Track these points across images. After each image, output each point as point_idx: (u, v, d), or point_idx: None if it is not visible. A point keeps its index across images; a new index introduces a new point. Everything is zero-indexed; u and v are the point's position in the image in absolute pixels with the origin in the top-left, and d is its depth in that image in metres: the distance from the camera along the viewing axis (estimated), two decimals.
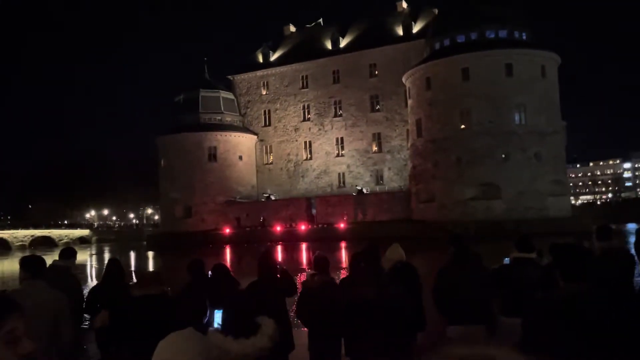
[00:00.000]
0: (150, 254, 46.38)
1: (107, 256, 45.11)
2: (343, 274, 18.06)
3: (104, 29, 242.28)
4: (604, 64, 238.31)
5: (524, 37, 44.22)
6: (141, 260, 40.38)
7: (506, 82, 41.38)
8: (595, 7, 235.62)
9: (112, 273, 6.01)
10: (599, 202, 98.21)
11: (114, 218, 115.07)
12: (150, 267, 34.57)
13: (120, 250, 51.41)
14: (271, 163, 59.88)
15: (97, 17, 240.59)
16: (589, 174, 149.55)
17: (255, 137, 60.08)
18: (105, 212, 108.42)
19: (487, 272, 5.22)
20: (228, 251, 41.65)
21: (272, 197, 56.71)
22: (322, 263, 5.14)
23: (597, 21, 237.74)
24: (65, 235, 78.53)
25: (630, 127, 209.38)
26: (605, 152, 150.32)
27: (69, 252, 6.36)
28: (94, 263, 38.70)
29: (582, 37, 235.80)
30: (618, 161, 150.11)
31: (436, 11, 52.42)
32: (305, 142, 58.11)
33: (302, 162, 58.12)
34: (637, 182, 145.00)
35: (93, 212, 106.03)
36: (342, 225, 46.66)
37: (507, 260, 6.04)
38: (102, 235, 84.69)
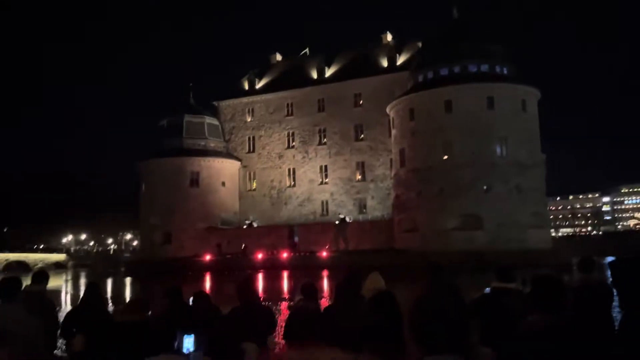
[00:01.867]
0: (128, 280, 45.46)
1: (83, 282, 44.11)
2: (324, 302, 17.84)
3: (87, 51, 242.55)
4: (583, 99, 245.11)
5: (505, 72, 45.33)
6: (118, 287, 39.52)
7: (488, 114, 42.18)
8: (574, 45, 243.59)
9: (90, 298, 5.87)
10: (578, 235, 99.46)
11: (92, 243, 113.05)
12: (128, 294, 33.83)
13: (97, 276, 50.29)
14: (254, 189, 59.70)
15: (79, 38, 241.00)
16: (568, 207, 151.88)
17: (239, 163, 60.01)
18: (83, 236, 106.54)
19: (466, 301, 5.22)
20: (208, 278, 41.02)
21: (254, 224, 56.32)
22: (310, 290, 5.12)
23: (577, 56, 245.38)
24: (41, 260, 76.67)
25: (609, 162, 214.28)
26: (584, 186, 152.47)
27: (41, 275, 6.21)
28: (69, 289, 37.77)
29: (563, 71, 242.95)
30: (597, 195, 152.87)
31: (420, 44, 53.66)
32: (289, 169, 58.20)
33: (285, 189, 58.07)
34: (616, 215, 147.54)
35: (70, 237, 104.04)
36: (324, 254, 46.39)
37: (487, 290, 6.05)
38: (78, 261, 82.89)
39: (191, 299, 5.49)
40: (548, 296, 2.82)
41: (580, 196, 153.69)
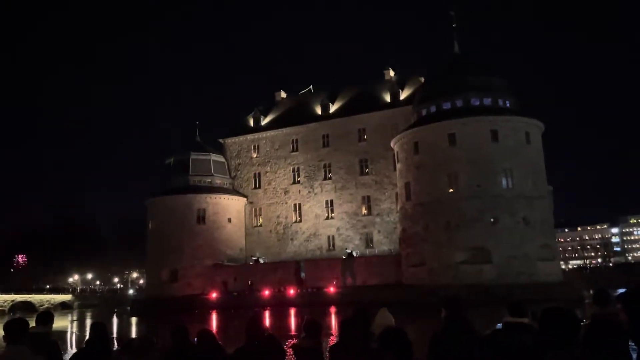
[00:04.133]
0: (134, 319, 44.97)
1: (88, 322, 43.64)
2: (332, 340, 17.55)
3: (94, 90, 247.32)
4: (587, 130, 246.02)
5: (508, 105, 45.70)
6: (124, 326, 39.07)
7: (492, 147, 42.32)
8: (578, 75, 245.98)
9: (96, 338, 5.79)
10: (588, 267, 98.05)
11: (98, 282, 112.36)
12: (134, 334, 33.39)
13: (103, 316, 49.80)
14: (260, 225, 59.60)
15: (86, 75, 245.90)
16: (577, 238, 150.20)
17: (245, 199, 60.14)
18: (89, 276, 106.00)
19: (480, 337, 5.13)
20: (214, 317, 40.53)
21: (261, 260, 55.97)
22: (313, 327, 5.06)
23: (580, 87, 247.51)
24: (47, 301, 76.01)
25: (616, 192, 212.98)
26: (593, 217, 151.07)
27: (46, 316, 6.17)
28: (75, 329, 37.35)
29: (565, 103, 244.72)
30: (606, 226, 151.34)
31: (422, 79, 54.40)
32: (295, 205, 58.20)
33: (291, 225, 57.93)
34: (626, 246, 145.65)
35: (76, 277, 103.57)
36: (331, 290, 45.87)
37: (499, 326, 5.95)
38: (84, 300, 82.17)
39: (195, 338, 5.43)
40: (562, 332, 2.76)
41: (589, 227, 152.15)
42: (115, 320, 44.31)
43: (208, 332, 5.50)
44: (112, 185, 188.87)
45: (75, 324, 43.76)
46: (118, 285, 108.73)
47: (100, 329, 5.91)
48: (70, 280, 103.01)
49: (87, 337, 6.12)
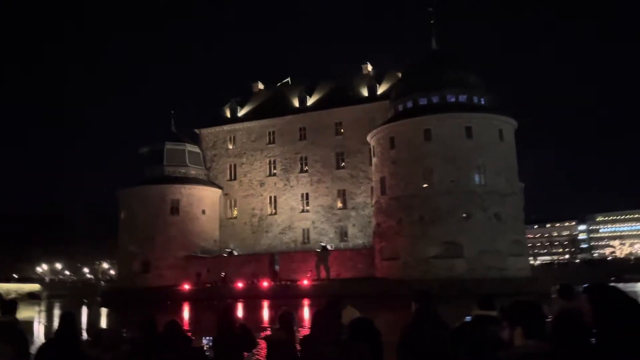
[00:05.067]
0: (104, 310, 44.31)
1: (57, 313, 42.85)
2: (305, 332, 17.62)
3: (68, 75, 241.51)
4: (558, 128, 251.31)
5: (483, 102, 46.36)
6: (94, 317, 38.47)
7: (466, 143, 42.90)
8: (550, 74, 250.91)
9: (65, 328, 5.67)
10: (556, 263, 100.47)
11: (67, 272, 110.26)
12: (103, 325, 32.92)
13: (73, 306, 48.91)
14: (235, 217, 59.28)
15: (59, 62, 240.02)
16: (546, 234, 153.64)
17: (220, 190, 59.69)
18: (59, 266, 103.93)
19: (450, 329, 5.22)
20: (186, 308, 40.22)
21: (235, 253, 55.71)
22: (287, 319, 5.08)
23: (553, 85, 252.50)
24: (14, 290, 74.34)
25: (584, 190, 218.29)
26: (561, 214, 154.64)
27: (11, 305, 6.02)
28: (43, 320, 36.64)
29: (539, 101, 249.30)
30: (574, 223, 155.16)
31: (399, 74, 54.72)
32: (271, 197, 58.05)
33: (266, 217, 57.79)
34: (592, 243, 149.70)
35: (45, 266, 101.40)
36: (305, 282, 45.99)
37: (468, 318, 6.06)
38: (53, 291, 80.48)
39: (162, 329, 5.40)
40: (532, 323, 2.84)
41: (557, 224, 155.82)
42: (85, 311, 43.59)
43: (175, 323, 5.47)
44: (83, 174, 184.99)
45: (43, 314, 42.89)
46: (88, 276, 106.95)
47: (70, 319, 5.78)
48: (39, 270, 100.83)
49: (55, 327, 6.00)
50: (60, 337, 5.58)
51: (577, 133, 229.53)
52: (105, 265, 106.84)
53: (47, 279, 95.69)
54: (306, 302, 38.93)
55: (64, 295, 75.35)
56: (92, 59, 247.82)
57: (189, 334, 5.56)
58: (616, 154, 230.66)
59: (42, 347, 5.67)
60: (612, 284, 3.11)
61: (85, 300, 57.13)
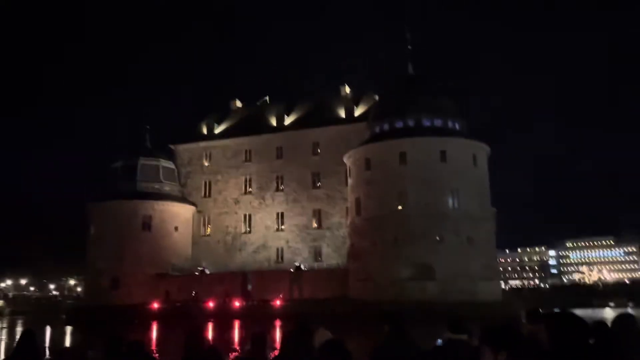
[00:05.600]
0: (69, 328, 42.98)
1: (19, 330, 41.37)
2: (275, 354, 17.33)
3: (45, 86, 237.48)
4: (531, 156, 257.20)
5: (457, 127, 47.18)
6: (58, 336, 37.24)
7: (440, 167, 43.48)
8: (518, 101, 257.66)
9: (24, 346, 5.48)
10: (527, 288, 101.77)
11: (32, 288, 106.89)
12: (67, 343, 31.88)
13: (37, 324, 47.29)
14: (209, 235, 58.55)
15: (35, 73, 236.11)
16: (517, 259, 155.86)
17: (194, 208, 58.98)
18: (23, 281, 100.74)
19: (421, 352, 5.21)
20: (155, 327, 39.30)
21: (207, 271, 54.84)
22: (260, 341, 5.01)
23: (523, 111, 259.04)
24: None
25: (553, 216, 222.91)
26: (532, 240, 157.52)
27: None
28: (4, 337, 35.29)
29: (513, 128, 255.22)
30: (544, 248, 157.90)
31: (377, 97, 55.44)
32: (245, 215, 57.61)
33: (240, 235, 57.25)
34: (562, 269, 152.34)
35: (9, 282, 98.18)
36: (277, 303, 45.48)
37: (439, 342, 6.07)
38: (17, 307, 77.94)
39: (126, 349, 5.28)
40: (515, 347, 2.88)
41: (528, 249, 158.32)
42: (48, 329, 42.17)
43: (138, 343, 5.37)
44: (50, 187, 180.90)
45: (4, 331, 41.33)
46: (54, 292, 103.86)
47: (30, 337, 5.60)
48: (2, 285, 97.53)
49: (15, 345, 5.79)
50: (19, 355, 5.40)
51: (550, 159, 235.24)
52: (72, 282, 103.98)
53: (10, 294, 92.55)
54: (277, 322, 38.46)
55: (28, 311, 72.93)
56: (70, 66, 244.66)
57: (156, 354, 5.42)
58: (588, 180, 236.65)
59: None
60: (570, 311, 3.17)
61: (50, 318, 55.33)
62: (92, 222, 55.43)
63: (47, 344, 29.62)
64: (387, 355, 4.83)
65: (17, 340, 5.68)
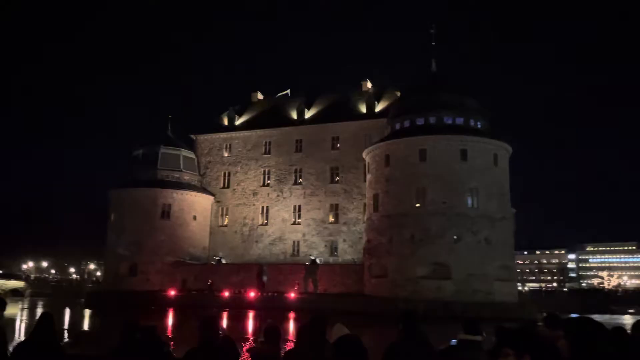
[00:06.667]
0: (87, 312, 43.80)
1: (39, 311, 42.31)
2: (289, 345, 17.44)
3: (62, 73, 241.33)
4: (551, 159, 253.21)
5: (479, 126, 46.58)
6: (76, 319, 38.00)
7: (461, 166, 43.04)
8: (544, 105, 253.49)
9: (42, 328, 5.61)
10: (544, 291, 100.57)
11: (53, 271, 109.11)
12: (86, 327, 32.53)
13: (56, 306, 48.32)
14: (226, 225, 59.01)
15: (55, 59, 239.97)
16: (535, 261, 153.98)
17: (212, 198, 59.48)
18: (44, 264, 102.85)
19: (434, 351, 5.19)
20: (171, 314, 39.83)
21: (223, 261, 55.33)
22: (273, 332, 5.03)
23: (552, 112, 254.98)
24: None
25: (575, 219, 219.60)
26: (551, 242, 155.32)
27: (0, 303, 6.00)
28: (25, 317, 36.15)
29: (536, 129, 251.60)
30: (563, 252, 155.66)
31: (399, 93, 55.04)
32: (263, 207, 57.88)
33: (257, 227, 57.57)
34: (581, 273, 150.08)
35: (31, 264, 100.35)
36: (292, 295, 45.68)
37: (453, 342, 6.03)
38: (37, 289, 79.74)
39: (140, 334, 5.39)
40: (540, 352, 2.86)
41: (547, 252, 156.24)
42: (67, 311, 43.06)
43: (151, 328, 5.47)
44: (75, 174, 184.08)
45: (25, 312, 42.34)
46: (74, 276, 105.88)
47: (48, 319, 5.73)
48: (24, 267, 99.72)
49: (33, 327, 5.93)
50: (37, 337, 5.53)
51: (574, 163, 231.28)
52: (92, 267, 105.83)
53: (32, 276, 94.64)
54: (292, 315, 38.66)
55: (49, 294, 74.56)
56: (95, 59, 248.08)
57: (171, 341, 5.51)
58: (611, 184, 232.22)
59: (19, 345, 5.61)
60: (590, 317, 3.11)
61: (69, 301, 56.47)
62: (112, 209, 56.34)
63: (65, 326, 30.26)
64: (401, 353, 4.82)
65: (35, 322, 5.81)
